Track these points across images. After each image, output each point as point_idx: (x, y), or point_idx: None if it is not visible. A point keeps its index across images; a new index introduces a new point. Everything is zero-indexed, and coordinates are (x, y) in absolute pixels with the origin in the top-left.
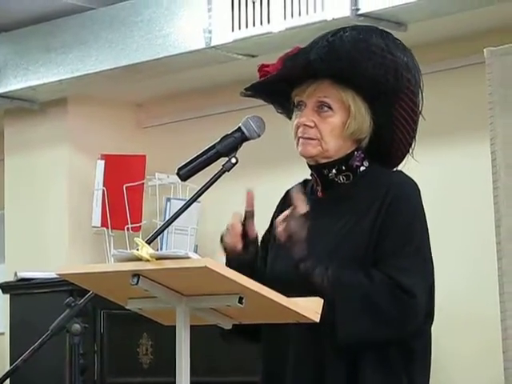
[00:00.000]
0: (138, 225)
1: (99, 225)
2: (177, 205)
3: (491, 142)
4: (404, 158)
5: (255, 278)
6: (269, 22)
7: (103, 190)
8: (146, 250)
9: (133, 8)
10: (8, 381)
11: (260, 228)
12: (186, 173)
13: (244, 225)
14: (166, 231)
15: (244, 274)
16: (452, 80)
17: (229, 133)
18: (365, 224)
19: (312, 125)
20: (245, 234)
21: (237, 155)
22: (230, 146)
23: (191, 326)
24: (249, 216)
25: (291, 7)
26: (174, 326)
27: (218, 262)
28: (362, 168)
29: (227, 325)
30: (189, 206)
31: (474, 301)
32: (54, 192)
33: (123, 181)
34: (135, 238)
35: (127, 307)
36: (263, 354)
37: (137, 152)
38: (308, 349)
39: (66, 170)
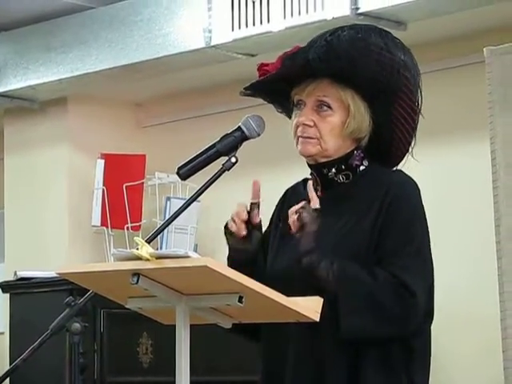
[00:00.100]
0: (137, 224)
1: (99, 224)
2: (177, 204)
3: (491, 142)
4: (404, 157)
5: (256, 271)
6: (269, 21)
7: (103, 190)
8: (145, 249)
9: (132, 7)
10: (8, 380)
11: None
12: (185, 172)
13: (249, 213)
14: (165, 230)
15: (246, 266)
16: (452, 79)
17: (229, 132)
18: (365, 223)
19: (311, 124)
20: (249, 223)
21: (237, 154)
22: (230, 145)
23: (191, 326)
24: (254, 207)
25: (291, 6)
26: (174, 326)
27: (218, 262)
28: (361, 167)
29: (227, 324)
30: (189, 205)
31: (473, 300)
32: (54, 191)
33: (123, 180)
34: (135, 238)
35: (127, 306)
36: (263, 353)
37: (137, 151)
38: (308, 348)
39: (65, 169)
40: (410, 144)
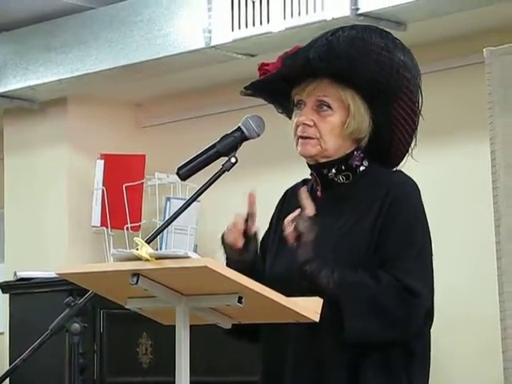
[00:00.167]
0: (137, 224)
1: (99, 224)
2: (176, 204)
3: (491, 142)
4: (404, 157)
5: (255, 279)
6: (268, 21)
7: (103, 190)
8: (145, 250)
9: (132, 8)
10: (8, 380)
11: (260, 228)
12: (185, 172)
13: (245, 223)
14: (165, 231)
15: (244, 275)
16: (451, 80)
17: (228, 132)
18: (365, 223)
19: (311, 124)
20: (245, 233)
21: (236, 155)
22: (230, 145)
23: (191, 326)
24: (250, 217)
25: (291, 7)
26: (174, 326)
27: (217, 262)
28: (361, 168)
29: (227, 324)
30: (188, 205)
31: (473, 300)
32: (54, 191)
33: (123, 180)
34: (135, 238)
35: (127, 307)
36: (263, 353)
37: (136, 151)
38: (307, 348)
39: (65, 169)
40: (409, 144)
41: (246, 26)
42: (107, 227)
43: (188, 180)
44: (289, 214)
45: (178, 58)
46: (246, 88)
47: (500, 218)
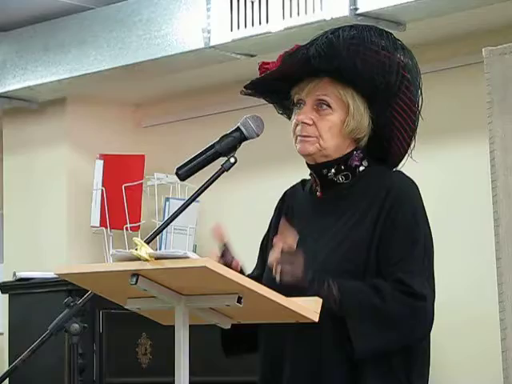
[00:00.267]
0: (136, 224)
1: (98, 224)
2: (176, 204)
3: (490, 142)
4: (403, 157)
5: None
6: (267, 21)
7: (102, 190)
8: (144, 250)
9: (131, 8)
10: (7, 380)
11: (259, 228)
12: (184, 172)
13: (224, 257)
14: (164, 231)
15: None
16: (450, 79)
17: (228, 132)
18: (365, 223)
19: (310, 122)
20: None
21: (236, 155)
22: (229, 145)
23: (190, 326)
24: (226, 249)
25: (290, 7)
26: (173, 326)
27: (216, 262)
28: (361, 168)
29: (226, 324)
30: (188, 205)
31: (472, 300)
32: (53, 192)
33: (122, 180)
34: (134, 238)
35: (126, 307)
36: (262, 353)
37: (135, 152)
38: (307, 349)
39: (64, 169)
40: (409, 145)
41: (246, 26)
42: (106, 227)
43: (187, 180)
44: (288, 215)
45: (177, 58)
46: (246, 87)
47: (499, 219)
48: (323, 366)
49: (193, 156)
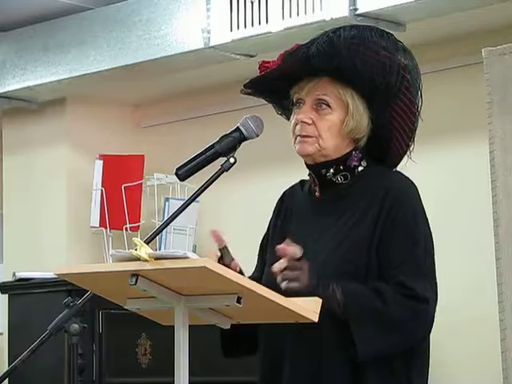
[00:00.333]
0: (136, 225)
1: (98, 225)
2: (175, 205)
3: (489, 142)
4: (402, 158)
5: None
6: (267, 21)
7: (102, 190)
8: (144, 250)
9: (131, 8)
10: (7, 381)
11: (259, 228)
12: (184, 173)
13: (223, 259)
14: (164, 231)
15: None
16: (450, 80)
17: (227, 133)
18: (365, 223)
19: (310, 122)
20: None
21: (235, 155)
22: (229, 145)
23: (189, 326)
24: (224, 252)
25: (289, 7)
26: (173, 326)
27: (216, 262)
28: (360, 168)
29: (226, 324)
30: (187, 205)
31: (472, 301)
32: (53, 192)
33: (122, 181)
34: (134, 238)
35: (126, 307)
36: (261, 354)
37: (135, 152)
38: (307, 349)
39: (64, 169)
40: (408, 145)
41: (245, 27)
42: (106, 228)
43: (187, 180)
44: (287, 215)
45: (177, 58)
46: (245, 86)
47: (499, 219)
48: (323, 366)
49: (192, 156)
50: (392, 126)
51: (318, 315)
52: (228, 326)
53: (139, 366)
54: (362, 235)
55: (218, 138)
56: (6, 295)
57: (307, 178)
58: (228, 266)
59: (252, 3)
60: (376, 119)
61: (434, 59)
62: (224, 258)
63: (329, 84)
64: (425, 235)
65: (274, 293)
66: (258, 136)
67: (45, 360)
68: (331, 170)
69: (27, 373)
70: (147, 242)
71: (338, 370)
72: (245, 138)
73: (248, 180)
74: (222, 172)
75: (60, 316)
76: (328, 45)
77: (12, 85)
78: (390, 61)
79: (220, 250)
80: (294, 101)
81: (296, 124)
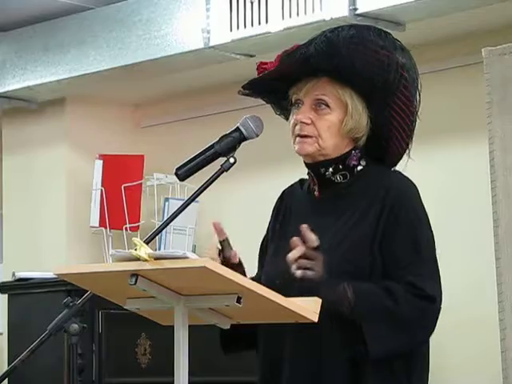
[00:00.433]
0: (136, 225)
1: (97, 225)
2: (175, 205)
3: (489, 142)
4: (401, 157)
5: None
6: (267, 21)
7: (101, 190)
8: (144, 250)
9: (131, 8)
10: (6, 381)
11: (259, 228)
12: (184, 173)
13: (223, 252)
14: (164, 231)
15: None
16: (450, 80)
17: (227, 133)
18: (366, 223)
19: (309, 122)
20: (228, 262)
21: (235, 155)
22: (229, 145)
23: (189, 326)
24: (225, 245)
25: (289, 7)
26: (173, 326)
27: (216, 262)
28: (359, 167)
29: (225, 324)
30: (187, 205)
31: (472, 301)
32: (52, 192)
33: (121, 181)
34: (133, 238)
35: (125, 307)
36: (261, 353)
37: (135, 152)
38: (306, 349)
39: (64, 169)
40: (407, 144)
41: (245, 27)
42: (106, 227)
43: (187, 180)
44: (286, 215)
45: (177, 58)
46: (243, 87)
47: (499, 219)
48: (323, 366)
49: (192, 156)
50: (391, 125)
51: (317, 315)
52: (228, 326)
53: (139, 365)
54: (364, 233)
55: (217, 138)
56: (6, 295)
57: (306, 177)
58: (229, 258)
59: (252, 3)
60: (375, 118)
61: (433, 59)
62: (224, 250)
63: (328, 84)
64: (428, 235)
65: (273, 293)
66: (257, 136)
67: (44, 360)
68: (330, 169)
69: (27, 373)
70: (147, 242)
71: (337, 371)
72: (245, 138)
73: (248, 180)
74: (222, 172)
75: (60, 316)
76: (327, 44)
77: (12, 85)
78: (388, 59)
79: (220, 242)
80: (293, 101)
81: (295, 124)
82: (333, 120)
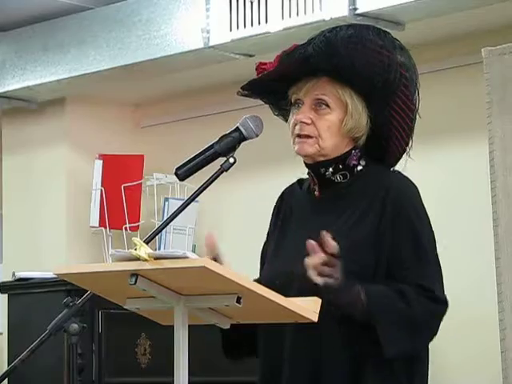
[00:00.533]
0: (136, 224)
1: (97, 224)
2: (175, 204)
3: (489, 142)
4: (401, 157)
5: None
6: (267, 21)
7: (101, 190)
8: (144, 250)
9: (131, 8)
10: (6, 381)
11: (258, 228)
12: (184, 172)
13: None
14: (164, 231)
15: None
16: (450, 80)
17: (227, 132)
18: (366, 222)
19: (309, 122)
20: None
21: (235, 155)
22: (228, 145)
23: (189, 326)
24: (218, 259)
25: (289, 7)
26: (172, 326)
27: (216, 262)
28: (359, 167)
29: (225, 324)
30: (187, 205)
31: (472, 301)
32: (52, 192)
33: (121, 180)
34: (133, 238)
35: (125, 307)
36: (261, 354)
37: (135, 152)
38: (306, 349)
39: (64, 169)
40: (407, 144)
41: (245, 26)
42: (106, 227)
43: (186, 180)
44: (287, 214)
45: (177, 58)
46: (242, 88)
47: (498, 219)
48: (323, 366)
49: (192, 156)
50: (391, 125)
51: (317, 315)
52: (227, 326)
53: (139, 365)
54: (366, 232)
55: (217, 138)
56: (6, 295)
57: (306, 177)
58: None
59: (251, 3)
60: (375, 118)
61: (433, 59)
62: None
63: (327, 84)
64: (429, 234)
65: (273, 293)
66: (257, 136)
67: (44, 360)
68: (330, 169)
69: (27, 373)
70: (147, 242)
71: (337, 371)
72: (244, 138)
73: (247, 180)
74: (222, 172)
75: (59, 316)
76: (325, 44)
77: (12, 85)
78: (388, 59)
79: (214, 256)
80: (293, 101)
81: (295, 124)
82: (333, 120)
